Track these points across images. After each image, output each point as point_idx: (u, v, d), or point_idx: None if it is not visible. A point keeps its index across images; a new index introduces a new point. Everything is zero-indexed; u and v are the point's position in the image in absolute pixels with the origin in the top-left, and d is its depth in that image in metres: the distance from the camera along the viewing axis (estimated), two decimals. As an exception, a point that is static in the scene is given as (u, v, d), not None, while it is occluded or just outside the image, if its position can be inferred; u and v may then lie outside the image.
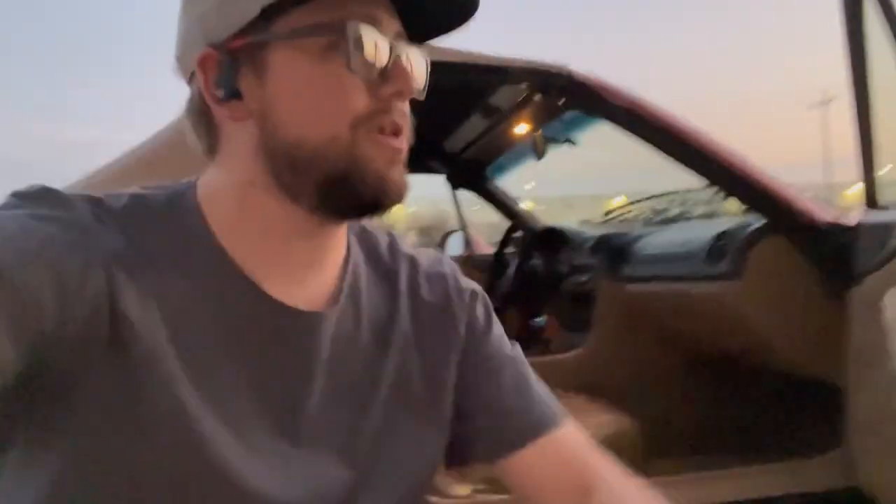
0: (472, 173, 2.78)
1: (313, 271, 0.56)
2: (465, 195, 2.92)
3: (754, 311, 1.54)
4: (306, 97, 0.50)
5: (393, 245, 0.66)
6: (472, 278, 2.44)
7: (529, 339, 2.57)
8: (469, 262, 2.96)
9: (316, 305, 0.56)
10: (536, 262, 2.60)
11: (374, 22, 0.50)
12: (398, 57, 0.51)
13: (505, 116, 2.01)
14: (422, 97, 0.55)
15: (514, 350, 0.69)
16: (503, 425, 0.64)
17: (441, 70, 1.46)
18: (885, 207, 1.30)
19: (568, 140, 2.22)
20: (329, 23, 0.49)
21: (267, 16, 0.49)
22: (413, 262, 0.66)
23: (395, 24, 0.53)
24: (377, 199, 0.52)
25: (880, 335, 1.01)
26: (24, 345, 0.42)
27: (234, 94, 0.51)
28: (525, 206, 2.98)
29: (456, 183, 2.86)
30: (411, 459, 0.60)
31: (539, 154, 2.08)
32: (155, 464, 0.47)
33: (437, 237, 3.49)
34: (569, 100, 1.59)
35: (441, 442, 0.63)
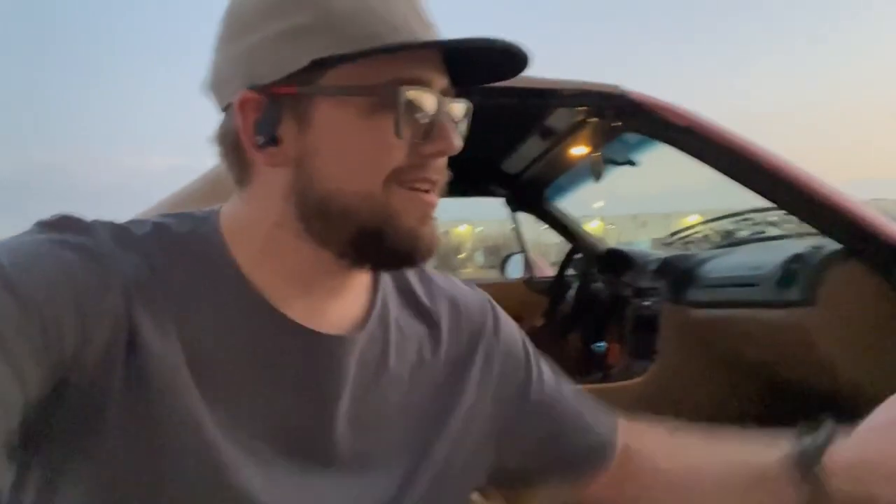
0: (531, 195, 2.75)
1: (336, 300, 0.57)
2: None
3: (830, 341, 1.44)
4: (348, 152, 0.50)
5: (424, 276, 0.66)
6: (533, 301, 2.44)
7: (590, 365, 2.50)
8: (529, 285, 2.93)
9: (340, 330, 0.56)
10: (598, 284, 2.53)
11: (424, 83, 0.51)
12: (442, 116, 0.52)
13: (562, 138, 1.99)
14: (458, 150, 0.54)
15: (560, 379, 0.70)
16: (557, 464, 0.67)
17: (496, 93, 1.48)
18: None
19: (629, 161, 2.17)
20: (379, 85, 0.49)
21: (316, 67, 0.50)
22: (451, 295, 0.66)
23: (442, 81, 0.53)
24: (409, 255, 0.52)
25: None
26: (46, 369, 0.43)
27: (273, 140, 0.51)
28: (594, 225, 2.92)
29: (515, 205, 2.84)
30: (439, 486, 0.59)
31: (596, 176, 2.04)
32: (177, 491, 0.48)
33: (502, 257, 3.48)
34: (624, 121, 1.55)
35: (477, 466, 0.63)
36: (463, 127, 0.56)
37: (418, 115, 0.50)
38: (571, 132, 1.90)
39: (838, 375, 1.47)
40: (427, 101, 0.51)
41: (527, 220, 2.97)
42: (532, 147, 2.21)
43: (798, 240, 1.90)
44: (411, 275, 0.65)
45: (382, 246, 0.51)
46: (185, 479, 0.48)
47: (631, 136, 1.90)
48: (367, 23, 0.49)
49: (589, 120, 1.70)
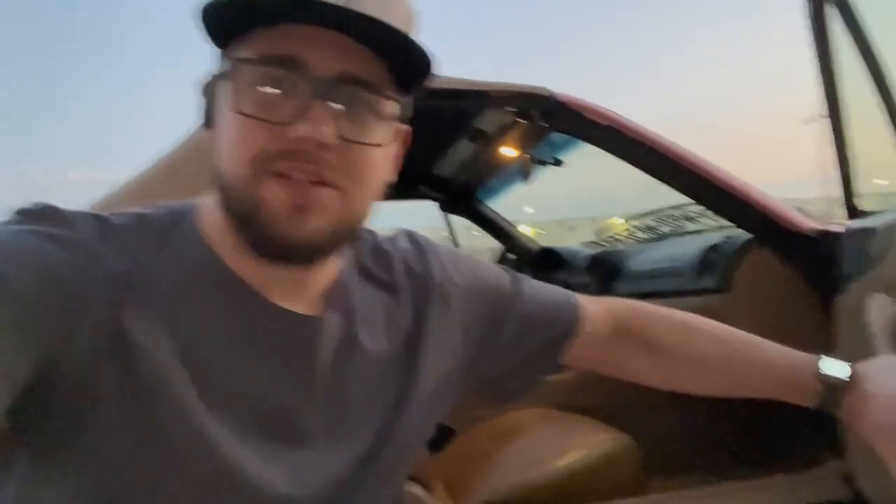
0: (463, 198, 2.80)
1: (307, 284, 0.58)
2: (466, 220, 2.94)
3: (743, 324, 1.53)
4: (222, 134, 0.52)
5: (376, 249, 0.68)
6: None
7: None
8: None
9: (312, 311, 0.58)
10: (532, 283, 2.60)
11: (293, 64, 0.49)
12: (312, 100, 0.49)
13: (492, 140, 2.04)
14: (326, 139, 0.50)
15: (517, 278, 0.75)
16: (545, 347, 0.72)
17: (426, 95, 1.49)
18: (866, 214, 1.31)
19: (555, 160, 2.25)
20: (233, 63, 0.50)
21: (226, 49, 0.52)
22: (402, 257, 0.69)
23: (335, 65, 0.50)
24: (277, 247, 0.51)
25: (864, 342, 1.01)
26: (30, 362, 0.43)
27: (212, 121, 0.54)
28: (526, 230, 2.99)
29: (448, 208, 2.88)
30: (411, 444, 0.63)
31: (525, 176, 2.10)
32: (175, 481, 0.48)
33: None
34: (551, 122, 1.61)
35: (439, 416, 0.67)
36: (350, 119, 0.51)
37: (274, 93, 0.49)
38: (501, 134, 1.95)
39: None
40: (279, 77, 0.49)
41: (459, 227, 3.01)
42: (463, 149, 2.25)
43: (714, 232, 2.02)
44: (366, 252, 0.67)
45: (255, 234, 0.51)
46: (182, 469, 0.48)
47: (558, 137, 1.98)
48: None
49: (518, 121, 1.75)
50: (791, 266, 1.49)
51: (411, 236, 0.72)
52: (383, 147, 0.54)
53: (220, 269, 0.54)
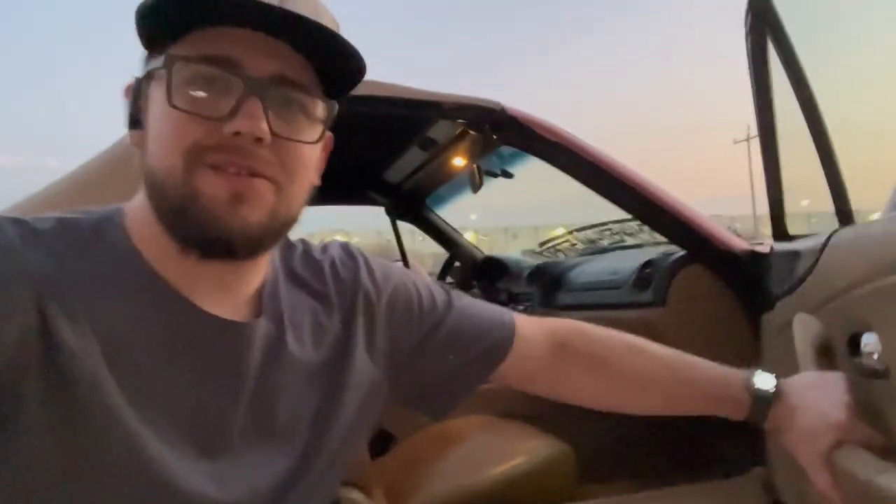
0: (411, 204, 2.81)
1: (236, 287, 0.58)
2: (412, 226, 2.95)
3: (677, 337, 1.60)
4: (156, 129, 0.53)
5: (305, 253, 0.70)
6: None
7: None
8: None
9: (241, 317, 0.58)
10: (476, 291, 2.64)
11: (228, 63, 0.51)
12: (248, 98, 0.51)
13: (442, 149, 2.06)
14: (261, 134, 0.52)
15: (450, 294, 0.77)
16: (473, 364, 0.74)
17: (378, 104, 1.51)
18: (794, 237, 1.39)
19: (504, 172, 2.29)
20: (167, 60, 0.51)
21: (157, 51, 0.53)
22: (331, 263, 0.70)
23: (268, 66, 0.52)
24: (214, 238, 0.52)
25: (790, 358, 1.08)
26: None
27: (138, 123, 0.55)
28: (469, 236, 3.02)
29: (396, 214, 2.89)
30: (341, 450, 0.64)
31: (475, 187, 2.13)
32: (101, 484, 0.47)
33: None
34: (501, 135, 1.64)
35: (370, 404, 0.67)
36: (282, 119, 0.53)
37: (209, 90, 0.50)
38: (451, 144, 1.97)
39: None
40: (214, 75, 0.51)
41: (403, 233, 3.02)
42: (413, 157, 2.26)
43: (652, 248, 2.10)
44: (296, 258, 0.68)
45: (191, 227, 0.51)
46: (109, 471, 0.48)
47: (507, 150, 2.01)
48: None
49: (468, 132, 1.77)
50: (722, 283, 1.56)
51: (343, 247, 0.73)
52: (313, 146, 0.56)
53: (146, 272, 0.53)
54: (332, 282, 0.68)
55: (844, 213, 1.10)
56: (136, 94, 0.55)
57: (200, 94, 0.51)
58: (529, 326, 0.78)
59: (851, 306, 0.91)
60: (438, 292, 0.76)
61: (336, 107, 0.58)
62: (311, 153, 0.56)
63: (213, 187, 0.51)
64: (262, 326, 0.59)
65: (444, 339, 0.72)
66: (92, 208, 0.57)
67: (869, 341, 0.87)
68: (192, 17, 0.50)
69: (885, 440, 0.76)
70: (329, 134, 0.61)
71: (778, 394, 0.74)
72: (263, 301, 0.61)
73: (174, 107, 0.50)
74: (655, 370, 0.77)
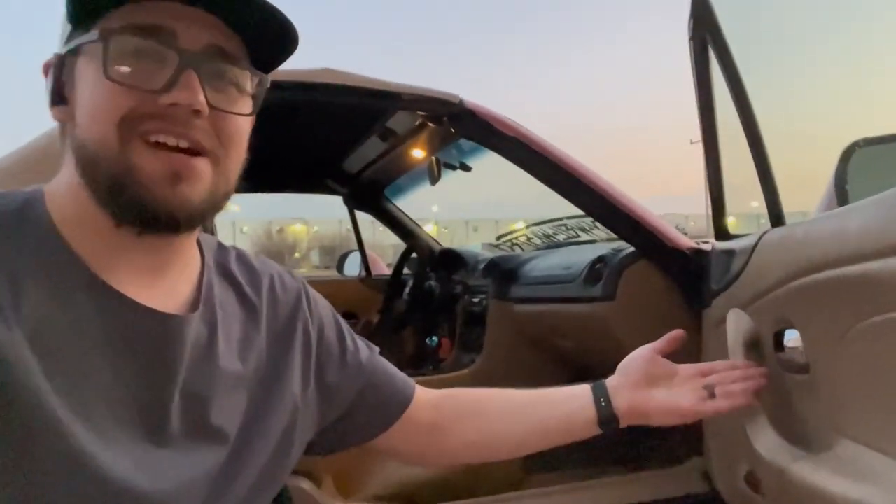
0: (370, 194, 2.81)
1: (163, 276, 0.58)
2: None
3: (626, 330, 1.65)
4: (86, 101, 0.52)
5: (241, 258, 0.70)
6: (369, 298, 2.48)
7: (423, 359, 2.62)
8: (366, 282, 2.98)
9: (173, 309, 0.57)
10: (432, 283, 2.66)
11: (162, 33, 0.51)
12: (184, 70, 0.51)
13: (401, 140, 2.06)
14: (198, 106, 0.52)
15: (369, 346, 0.78)
16: (372, 414, 0.75)
17: (337, 92, 1.51)
18: (734, 236, 1.45)
19: (463, 165, 2.31)
20: (101, 32, 0.51)
21: (78, 28, 0.53)
22: (269, 280, 0.70)
23: (202, 38, 0.53)
24: (153, 214, 0.52)
25: (724, 353, 1.13)
26: None
27: (61, 99, 0.55)
28: (429, 228, 3.03)
29: (354, 203, 2.88)
30: (274, 456, 0.64)
31: (434, 179, 2.15)
32: (33, 478, 0.47)
33: (338, 257, 3.50)
34: (459, 128, 1.66)
35: (302, 425, 0.68)
36: (221, 90, 0.54)
37: (145, 62, 0.50)
38: (410, 135, 1.98)
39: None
40: (149, 47, 0.51)
41: (363, 222, 3.02)
42: (372, 147, 2.26)
43: (604, 244, 2.15)
44: (232, 260, 0.68)
45: (125, 201, 0.51)
46: (40, 464, 0.47)
47: (466, 143, 2.03)
48: None
49: (427, 124, 1.78)
50: (669, 279, 1.61)
51: (284, 269, 0.74)
52: (247, 119, 0.57)
53: (71, 259, 0.52)
54: (266, 296, 0.68)
55: (776, 215, 1.15)
56: (59, 71, 0.55)
57: (136, 66, 0.50)
58: (424, 394, 0.81)
59: (776, 304, 0.96)
60: (363, 344, 0.78)
61: (268, 81, 0.58)
62: (245, 125, 0.57)
63: (150, 163, 0.50)
64: (196, 322, 0.59)
65: (355, 384, 0.74)
66: (11, 191, 0.55)
67: (791, 337, 0.93)
68: None
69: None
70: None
71: (611, 390, 0.83)
72: (201, 295, 0.61)
73: (110, 79, 0.50)
74: (515, 418, 0.82)
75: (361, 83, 1.52)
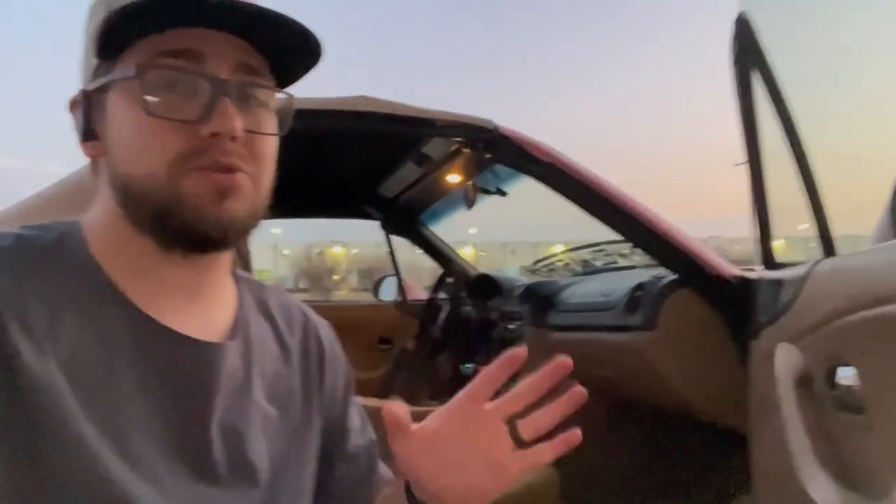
0: (406, 219, 2.81)
1: (198, 301, 0.58)
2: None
3: (667, 361, 1.60)
4: (126, 138, 0.53)
5: (280, 296, 0.69)
6: (404, 323, 2.46)
7: (458, 386, 2.56)
8: (401, 307, 2.98)
9: (209, 337, 0.57)
10: (468, 308, 2.63)
11: (194, 56, 0.51)
12: (218, 97, 0.51)
13: (437, 166, 2.07)
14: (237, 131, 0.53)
15: (365, 417, 0.74)
16: (349, 500, 0.69)
17: (373, 120, 1.51)
18: (781, 265, 1.40)
19: (499, 190, 2.29)
20: (136, 67, 0.51)
21: (106, 62, 0.53)
22: (303, 320, 0.69)
23: (230, 58, 0.53)
24: (204, 233, 0.53)
25: (773, 388, 1.08)
26: None
27: (92, 135, 0.55)
28: (467, 251, 3.02)
29: (390, 228, 2.89)
30: (302, 491, 0.63)
31: (469, 204, 2.13)
32: (57, 498, 0.46)
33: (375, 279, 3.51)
34: (495, 154, 1.65)
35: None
36: (255, 112, 0.55)
37: (169, 99, 0.51)
38: (446, 161, 1.98)
39: (670, 390, 1.63)
40: (181, 81, 0.51)
41: (402, 243, 3.03)
42: (408, 173, 2.27)
43: (644, 270, 2.10)
44: (269, 295, 0.68)
45: (175, 225, 0.52)
46: (72, 494, 0.46)
47: (502, 168, 2.02)
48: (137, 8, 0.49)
49: (463, 150, 1.78)
50: (712, 308, 1.56)
51: (321, 319, 0.73)
52: (275, 137, 0.58)
53: (107, 288, 0.53)
54: (300, 340, 0.68)
55: (827, 242, 1.10)
56: (87, 106, 0.55)
57: (173, 97, 0.51)
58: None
59: (829, 339, 0.91)
60: (361, 413, 0.75)
61: (294, 100, 0.59)
62: (274, 142, 0.58)
63: (198, 188, 0.52)
64: (232, 352, 0.58)
65: (351, 458, 0.70)
66: (50, 222, 0.56)
67: (846, 375, 0.87)
68: (149, 22, 0.51)
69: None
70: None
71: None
72: (236, 324, 0.60)
73: (151, 114, 0.50)
74: None
75: (397, 110, 1.53)
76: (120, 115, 0.53)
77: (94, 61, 0.54)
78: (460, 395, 0.57)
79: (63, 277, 0.52)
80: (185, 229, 0.52)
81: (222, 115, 0.51)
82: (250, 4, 0.50)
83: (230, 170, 0.53)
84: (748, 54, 1.16)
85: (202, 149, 0.51)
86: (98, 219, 0.56)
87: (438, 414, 0.57)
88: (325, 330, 0.72)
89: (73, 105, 0.57)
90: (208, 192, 0.52)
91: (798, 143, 1.12)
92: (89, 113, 0.55)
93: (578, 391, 0.57)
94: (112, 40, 0.52)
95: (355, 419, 0.73)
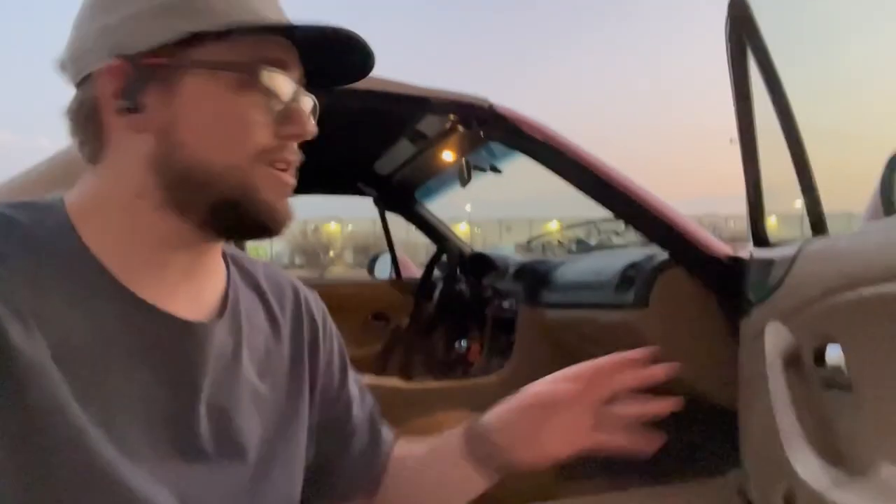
0: (400, 196, 2.81)
1: (189, 283, 0.58)
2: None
3: (658, 339, 1.62)
4: (216, 125, 0.53)
5: (270, 272, 0.70)
6: (399, 301, 2.48)
7: (452, 363, 2.61)
8: (396, 285, 2.98)
9: (197, 316, 0.57)
10: (462, 286, 2.64)
11: (283, 66, 0.56)
12: (299, 101, 0.57)
13: (431, 143, 2.06)
14: (313, 135, 0.59)
15: (362, 385, 0.76)
16: (361, 469, 0.72)
17: (370, 97, 1.51)
18: (772, 244, 1.40)
19: (493, 168, 2.29)
20: (247, 63, 0.53)
21: (184, 42, 0.52)
22: (294, 293, 0.70)
23: (298, 70, 0.58)
24: (265, 226, 0.56)
25: (763, 365, 1.09)
26: None
27: (136, 108, 0.53)
28: (462, 227, 3.03)
29: (384, 205, 2.89)
30: (294, 464, 0.64)
31: (464, 181, 2.13)
32: (54, 489, 0.46)
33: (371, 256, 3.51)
34: (488, 131, 1.65)
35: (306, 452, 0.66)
36: (314, 116, 0.60)
37: (279, 97, 0.55)
38: (441, 138, 1.97)
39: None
40: (286, 84, 0.56)
41: (396, 221, 3.03)
42: (403, 150, 2.26)
43: (638, 249, 2.11)
44: (259, 271, 0.68)
45: (240, 216, 0.55)
46: (61, 475, 0.47)
47: (497, 146, 2.02)
48: (228, 5, 0.53)
49: (457, 128, 1.77)
50: (704, 287, 1.57)
51: (313, 292, 0.74)
52: None
53: (92, 265, 0.52)
54: (290, 314, 0.68)
55: (817, 221, 1.10)
56: (138, 79, 0.52)
57: (265, 96, 0.54)
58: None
59: (818, 317, 0.92)
60: (357, 381, 0.76)
61: (318, 105, 0.62)
62: None
63: (270, 182, 0.55)
64: (220, 330, 0.58)
65: (342, 437, 0.71)
66: (32, 200, 0.55)
67: (834, 353, 0.88)
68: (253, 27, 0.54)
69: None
70: None
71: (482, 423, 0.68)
72: (227, 303, 0.60)
73: (253, 107, 0.53)
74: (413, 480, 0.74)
75: (392, 88, 1.52)
76: (206, 99, 0.53)
77: (170, 37, 0.52)
78: (589, 367, 0.66)
79: (48, 256, 0.51)
80: (249, 220, 0.55)
81: (299, 119, 0.56)
82: (327, 28, 0.55)
83: (289, 168, 0.57)
84: (742, 29, 1.15)
85: (280, 147, 0.55)
86: (98, 200, 0.55)
87: (559, 379, 0.67)
88: (316, 303, 0.72)
89: (114, 71, 0.52)
90: (278, 187, 0.56)
91: (790, 120, 1.12)
92: (138, 83, 0.52)
93: (674, 402, 0.65)
94: (234, 22, 0.53)
95: (354, 388, 0.74)
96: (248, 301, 0.64)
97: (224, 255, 0.65)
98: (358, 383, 0.75)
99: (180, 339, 0.55)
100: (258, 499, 0.59)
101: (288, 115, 0.56)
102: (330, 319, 0.74)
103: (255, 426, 0.60)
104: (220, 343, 0.58)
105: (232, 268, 0.65)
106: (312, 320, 0.70)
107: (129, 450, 0.50)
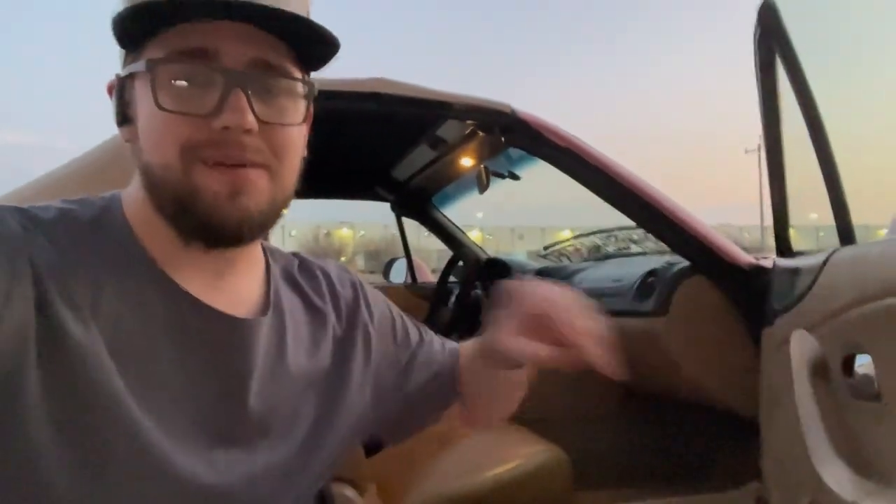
0: (417, 201, 2.81)
1: (224, 281, 0.59)
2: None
3: (678, 347, 1.61)
4: (147, 125, 0.54)
5: (304, 264, 0.71)
6: (414, 306, 2.47)
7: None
8: (412, 290, 2.99)
9: (244, 314, 0.58)
10: (478, 292, 2.64)
11: (204, 55, 0.52)
12: (231, 92, 0.51)
13: (450, 149, 2.06)
14: (249, 126, 0.53)
15: (420, 329, 0.79)
16: (435, 396, 0.76)
17: (389, 102, 1.51)
18: (797, 253, 1.39)
19: (512, 174, 2.28)
20: (161, 59, 0.52)
21: (133, 51, 0.54)
22: (328, 280, 0.71)
23: (246, 53, 0.53)
24: (218, 229, 0.53)
25: (787, 374, 1.08)
26: None
27: (125, 119, 0.56)
28: (474, 234, 3.02)
29: (401, 210, 2.89)
30: (336, 452, 0.66)
31: (482, 188, 2.13)
32: (107, 476, 0.48)
33: (384, 262, 3.52)
34: (510, 137, 1.64)
35: (360, 422, 0.69)
36: (270, 104, 0.54)
37: (193, 87, 0.51)
38: (460, 144, 1.97)
39: (682, 375, 1.64)
40: (195, 72, 0.51)
41: (409, 226, 3.03)
42: (422, 155, 2.26)
43: (656, 256, 2.10)
44: (296, 268, 0.69)
45: (190, 219, 0.53)
46: (115, 463, 0.48)
47: (515, 151, 2.01)
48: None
49: (478, 133, 1.77)
50: (725, 295, 1.56)
51: (341, 267, 0.75)
52: (299, 125, 0.57)
53: (148, 263, 0.54)
54: (329, 299, 0.69)
55: (845, 231, 1.09)
56: (121, 92, 0.56)
57: (184, 92, 0.51)
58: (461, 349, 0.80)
59: (847, 327, 0.91)
60: (412, 326, 0.78)
61: (315, 88, 0.58)
62: (297, 133, 0.57)
63: (212, 183, 0.52)
64: (266, 325, 0.60)
65: (414, 370, 0.74)
66: (90, 196, 0.58)
67: (863, 363, 0.87)
68: (164, 18, 0.51)
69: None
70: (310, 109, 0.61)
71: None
72: (270, 299, 0.62)
73: (162, 109, 0.51)
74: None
75: (413, 93, 1.52)
76: (140, 104, 0.54)
77: (125, 50, 0.55)
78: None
79: (104, 251, 0.53)
80: (200, 226, 0.53)
81: (234, 109, 0.51)
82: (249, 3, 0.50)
83: (243, 165, 0.53)
84: (772, 36, 1.14)
85: (215, 142, 0.51)
86: (136, 195, 0.57)
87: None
88: (349, 276, 0.74)
89: (110, 89, 0.57)
90: (222, 187, 0.52)
91: (820, 129, 1.11)
92: (123, 97, 0.56)
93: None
94: (131, 33, 0.53)
95: (414, 334, 0.77)
96: (287, 296, 0.65)
97: (264, 251, 0.66)
98: (419, 327, 0.79)
99: (227, 333, 0.56)
100: (304, 474, 0.61)
101: (220, 105, 0.51)
102: (367, 286, 0.75)
103: (306, 411, 0.62)
104: (266, 338, 0.59)
105: (272, 263, 0.66)
106: (353, 299, 0.72)
107: (180, 440, 0.52)
